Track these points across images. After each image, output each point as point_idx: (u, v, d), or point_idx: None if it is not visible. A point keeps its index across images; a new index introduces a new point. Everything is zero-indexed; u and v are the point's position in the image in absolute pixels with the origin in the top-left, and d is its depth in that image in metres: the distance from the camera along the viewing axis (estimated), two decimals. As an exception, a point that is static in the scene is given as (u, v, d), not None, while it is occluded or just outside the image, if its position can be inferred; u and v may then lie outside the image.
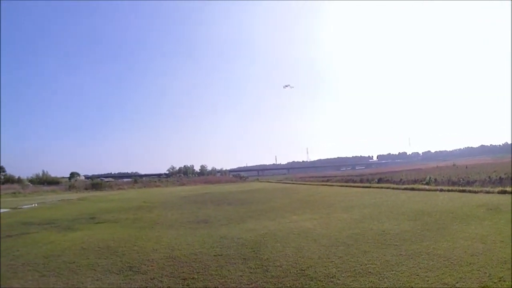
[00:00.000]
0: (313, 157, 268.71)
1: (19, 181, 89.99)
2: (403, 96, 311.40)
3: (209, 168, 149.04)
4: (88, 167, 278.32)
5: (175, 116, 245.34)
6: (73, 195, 53.92)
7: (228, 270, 7.54)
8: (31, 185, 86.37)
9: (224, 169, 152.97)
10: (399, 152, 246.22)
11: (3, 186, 72.67)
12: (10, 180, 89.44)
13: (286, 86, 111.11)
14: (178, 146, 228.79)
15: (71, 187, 77.17)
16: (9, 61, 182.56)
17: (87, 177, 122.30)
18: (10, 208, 29.19)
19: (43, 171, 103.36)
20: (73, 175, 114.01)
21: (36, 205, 32.98)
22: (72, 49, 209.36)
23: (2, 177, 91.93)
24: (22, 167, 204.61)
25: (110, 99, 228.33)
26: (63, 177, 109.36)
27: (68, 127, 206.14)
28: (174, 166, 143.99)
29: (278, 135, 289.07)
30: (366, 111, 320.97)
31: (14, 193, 58.25)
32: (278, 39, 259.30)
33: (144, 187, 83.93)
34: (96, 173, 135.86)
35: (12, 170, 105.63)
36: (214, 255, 8.93)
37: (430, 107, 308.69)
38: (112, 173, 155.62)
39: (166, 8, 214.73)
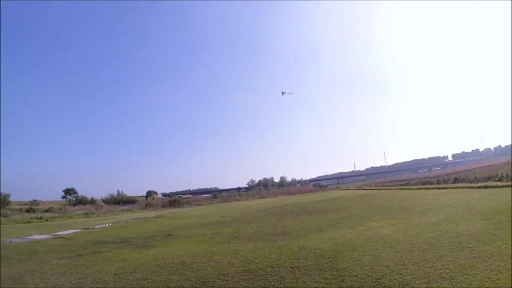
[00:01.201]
0: (391, 161, 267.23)
1: (92, 201, 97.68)
2: (471, 92, 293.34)
3: (288, 179, 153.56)
4: (166, 185, 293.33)
5: (253, 129, 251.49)
6: (150, 213, 57.99)
7: (304, 282, 7.85)
8: (105, 205, 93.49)
9: (304, 179, 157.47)
10: (472, 150, 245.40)
11: (75, 208, 79.37)
12: (82, 201, 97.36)
13: (284, 93, 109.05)
14: (257, 159, 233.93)
15: (148, 205, 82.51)
16: (83, 81, 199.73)
17: (164, 194, 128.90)
18: (82, 228, 31.86)
19: (118, 191, 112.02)
20: (150, 193, 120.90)
21: (110, 224, 35.67)
22: (146, 64, 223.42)
23: (74, 199, 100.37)
24: (96, 188, 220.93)
25: (187, 117, 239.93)
26: (140, 196, 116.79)
27: (144, 147, 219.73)
28: (254, 179, 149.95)
29: (355, 141, 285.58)
30: (436, 110, 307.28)
31: (87, 213, 63.15)
32: (343, 42, 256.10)
33: (224, 201, 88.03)
34: (174, 191, 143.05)
35: (86, 191, 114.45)
36: (291, 267, 9.29)
37: (498, 100, 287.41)
38: (191, 189, 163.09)
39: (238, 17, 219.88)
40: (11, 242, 22.45)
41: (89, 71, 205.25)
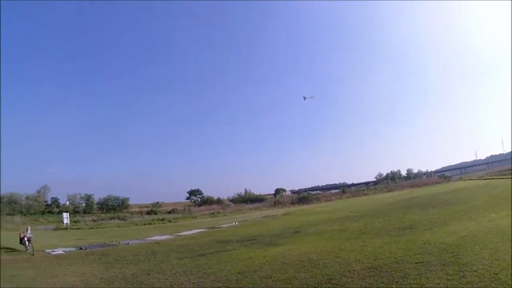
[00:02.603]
0: (508, 148, 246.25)
1: (218, 201, 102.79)
2: None
3: (415, 171, 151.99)
4: (295, 181, 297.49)
5: (378, 122, 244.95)
6: (278, 211, 60.18)
7: (427, 278, 8.09)
8: (232, 204, 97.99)
9: (429, 170, 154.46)
10: None
11: (200, 208, 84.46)
12: (208, 201, 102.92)
13: (306, 97, 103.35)
14: (384, 152, 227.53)
15: (276, 203, 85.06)
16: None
17: (293, 191, 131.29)
18: (207, 228, 34.18)
19: (245, 190, 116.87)
20: (278, 191, 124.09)
21: (236, 223, 37.48)
22: (272, 64, 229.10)
23: (199, 199, 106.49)
24: (222, 188, 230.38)
25: (313, 114, 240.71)
26: (268, 194, 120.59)
27: (271, 145, 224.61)
28: (381, 172, 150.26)
29: (476, 129, 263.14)
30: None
31: (213, 213, 67.28)
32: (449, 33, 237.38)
33: (352, 196, 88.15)
34: (303, 187, 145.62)
35: (212, 192, 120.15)
36: (416, 263, 9.58)
37: None
38: (320, 185, 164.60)
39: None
40: (128, 244, 24.58)
41: (217, 72, 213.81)
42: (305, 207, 65.89)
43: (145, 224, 50.40)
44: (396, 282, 8.03)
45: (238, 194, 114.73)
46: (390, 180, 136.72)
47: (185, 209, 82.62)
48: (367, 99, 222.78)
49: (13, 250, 22.31)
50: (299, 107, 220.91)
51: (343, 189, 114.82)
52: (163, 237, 27.74)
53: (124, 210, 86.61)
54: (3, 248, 23.29)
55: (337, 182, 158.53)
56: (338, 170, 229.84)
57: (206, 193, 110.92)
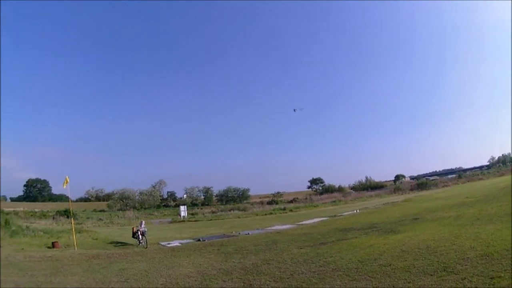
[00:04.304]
0: None
1: (339, 189, 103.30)
2: None
3: None
4: (414, 167, 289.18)
5: (492, 105, 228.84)
6: (398, 197, 59.90)
7: None
8: (353, 192, 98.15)
9: None
10: None
11: (321, 196, 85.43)
12: (330, 189, 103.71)
13: (296, 109, 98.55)
14: (497, 134, 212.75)
15: (396, 190, 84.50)
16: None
17: (412, 177, 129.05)
18: (328, 216, 34.87)
19: (366, 177, 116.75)
20: (398, 177, 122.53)
21: (357, 211, 37.91)
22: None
23: (321, 188, 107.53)
24: (344, 176, 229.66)
25: (428, 98, 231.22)
26: (388, 181, 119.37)
27: (391, 131, 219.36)
28: (493, 156, 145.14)
29: None
30: None
31: (334, 201, 68.27)
32: None
33: (468, 181, 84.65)
34: (421, 173, 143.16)
35: (333, 180, 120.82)
36: None
37: None
38: (437, 170, 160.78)
39: None
40: (248, 234, 25.69)
41: (330, 61, 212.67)
42: (424, 193, 65.11)
43: (265, 214, 51.64)
44: (505, 270, 8.15)
45: (359, 182, 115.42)
46: (501, 164, 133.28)
47: (306, 198, 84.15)
48: (473, 83, 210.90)
49: (124, 244, 24.08)
50: (414, 93, 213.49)
51: (459, 174, 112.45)
52: (284, 227, 28.72)
53: (244, 201, 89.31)
54: (113, 242, 25.28)
55: (453, 167, 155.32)
56: (454, 154, 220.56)
57: (328, 181, 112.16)
